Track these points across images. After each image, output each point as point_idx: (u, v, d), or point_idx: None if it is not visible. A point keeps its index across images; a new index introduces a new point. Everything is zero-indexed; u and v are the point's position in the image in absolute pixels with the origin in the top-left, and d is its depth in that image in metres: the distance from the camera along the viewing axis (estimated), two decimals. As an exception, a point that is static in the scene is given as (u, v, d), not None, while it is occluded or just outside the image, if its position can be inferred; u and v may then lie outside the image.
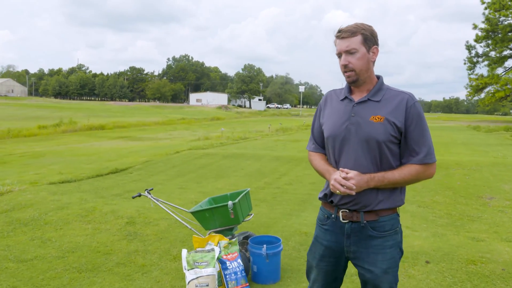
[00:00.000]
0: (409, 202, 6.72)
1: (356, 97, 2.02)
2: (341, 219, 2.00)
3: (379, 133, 1.91)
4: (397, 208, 2.03)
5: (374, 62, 1.99)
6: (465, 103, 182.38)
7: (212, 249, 3.43)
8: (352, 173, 1.88)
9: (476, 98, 50.01)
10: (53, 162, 11.68)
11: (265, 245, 3.54)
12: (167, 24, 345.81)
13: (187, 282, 3.27)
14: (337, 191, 1.87)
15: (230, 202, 3.49)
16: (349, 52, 1.93)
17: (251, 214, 4.02)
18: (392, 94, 1.97)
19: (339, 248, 2.03)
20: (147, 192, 4.10)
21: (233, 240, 3.53)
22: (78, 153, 13.88)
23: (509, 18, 43.08)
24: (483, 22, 44.39)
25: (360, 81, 1.98)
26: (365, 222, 1.95)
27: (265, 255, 3.52)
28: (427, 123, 1.97)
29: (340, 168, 1.94)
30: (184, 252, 3.38)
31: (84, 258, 4.27)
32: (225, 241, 3.52)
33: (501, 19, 43.37)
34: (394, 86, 2.03)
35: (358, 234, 1.98)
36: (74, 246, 4.60)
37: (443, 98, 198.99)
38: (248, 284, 3.43)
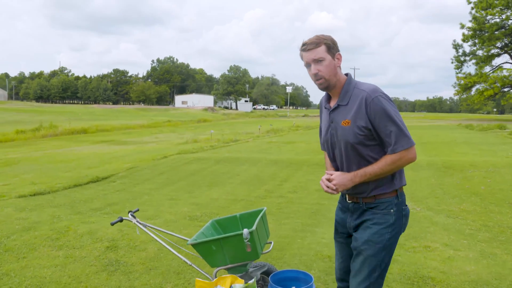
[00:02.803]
0: (435, 211, 5.87)
1: (332, 103, 2.22)
2: (347, 200, 2.26)
3: (350, 136, 2.09)
4: (396, 190, 2.15)
5: (339, 67, 2.16)
6: (448, 102, 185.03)
7: (223, 298, 2.47)
8: (335, 175, 2.16)
9: (463, 96, 49.95)
10: (27, 170, 10.52)
11: (293, 287, 2.60)
12: (150, 26, 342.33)
13: None
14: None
15: (245, 231, 2.54)
16: (317, 61, 2.09)
17: (271, 243, 3.07)
18: (356, 94, 2.10)
19: (345, 223, 2.30)
20: (131, 215, 3.12)
21: (251, 282, 2.57)
22: (56, 160, 12.70)
23: (496, 17, 43.16)
24: (470, 21, 44.44)
25: (331, 86, 2.14)
26: (363, 203, 2.18)
27: (294, 303, 2.57)
28: (402, 116, 2.07)
29: (326, 171, 2.25)
30: (185, 304, 2.41)
31: (50, 301, 3.26)
32: (240, 284, 2.57)
33: (488, 17, 43.42)
34: (362, 82, 2.16)
35: (357, 211, 2.21)
36: (38, 284, 3.58)
37: (427, 98, 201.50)
38: None
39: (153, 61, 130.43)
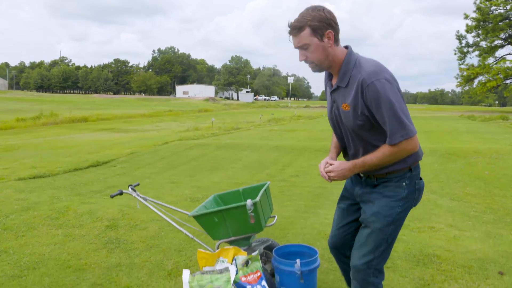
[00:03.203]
0: (439, 194, 5.80)
1: (333, 81, 2.05)
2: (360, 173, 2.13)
3: (350, 121, 1.96)
4: (409, 166, 2.02)
5: (332, 46, 1.92)
6: (450, 94, 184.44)
7: (226, 269, 2.41)
8: (334, 165, 2.05)
9: (466, 88, 49.64)
10: (27, 155, 10.45)
11: (298, 260, 2.53)
12: (152, 17, 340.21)
13: (191, 319, 2.24)
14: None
15: (249, 201, 2.47)
16: (302, 47, 1.93)
17: (274, 217, 3.00)
18: (355, 75, 1.91)
19: (353, 190, 2.20)
20: (131, 189, 3.05)
21: (254, 254, 2.51)
22: (56, 146, 12.63)
23: (500, 8, 42.71)
24: (474, 11, 43.94)
25: (324, 68, 2.00)
26: (374, 178, 2.07)
27: (299, 274, 2.51)
28: (406, 105, 1.91)
29: (327, 160, 2.14)
30: (186, 274, 2.35)
31: (49, 277, 3.21)
32: (242, 256, 2.50)
33: (492, 8, 42.94)
34: (363, 59, 1.94)
35: (368, 182, 2.10)
36: (36, 260, 3.52)
37: (429, 90, 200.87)
38: (277, 317, 2.43)
39: (154, 51, 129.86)
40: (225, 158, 9.24)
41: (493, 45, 44.55)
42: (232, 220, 2.57)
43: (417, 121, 23.88)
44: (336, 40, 1.93)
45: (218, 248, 2.69)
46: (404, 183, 2.01)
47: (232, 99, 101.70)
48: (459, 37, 47.73)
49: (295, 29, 1.90)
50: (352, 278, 2.11)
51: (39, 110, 29.62)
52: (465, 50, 47.67)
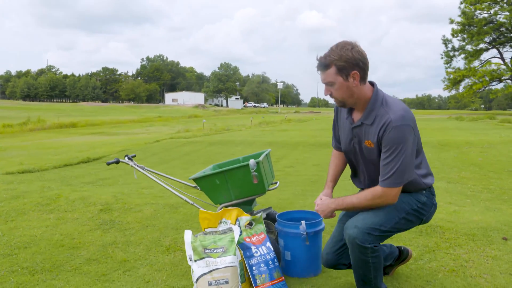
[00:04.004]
0: (435, 178, 5.77)
1: (355, 116, 2.08)
2: None
3: (373, 157, 2.00)
4: (428, 186, 2.08)
5: (358, 84, 1.94)
6: (437, 100, 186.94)
7: (230, 229, 2.32)
8: (320, 201, 2.19)
9: (453, 91, 50.36)
10: (15, 155, 10.22)
11: (303, 221, 2.45)
12: (140, 25, 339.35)
13: (194, 280, 2.15)
14: None
15: (252, 161, 2.40)
16: (327, 85, 1.97)
17: (276, 183, 2.93)
18: (382, 115, 1.94)
19: None
20: (128, 158, 2.95)
21: (258, 215, 2.43)
22: (45, 146, 12.41)
23: (485, 12, 43.56)
24: (459, 15, 44.75)
25: (348, 105, 2.02)
26: None
27: (304, 235, 2.43)
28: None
29: (321, 195, 2.23)
30: (188, 234, 2.26)
31: (41, 255, 3.07)
32: (246, 217, 2.42)
33: (476, 12, 43.78)
34: (391, 100, 1.98)
35: None
36: (28, 241, 3.38)
37: (416, 95, 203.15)
38: (284, 278, 2.34)
39: (142, 59, 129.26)
40: (219, 153, 9.15)
41: (478, 48, 45.34)
42: (234, 182, 2.49)
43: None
44: (363, 79, 1.95)
45: (219, 212, 2.60)
46: (424, 191, 2.08)
47: (222, 106, 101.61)
48: (445, 41, 48.51)
49: (321, 66, 1.94)
50: (350, 251, 2.01)
51: (26, 117, 29.18)
52: (451, 54, 48.42)
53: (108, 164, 2.83)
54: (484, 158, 7.37)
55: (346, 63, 1.88)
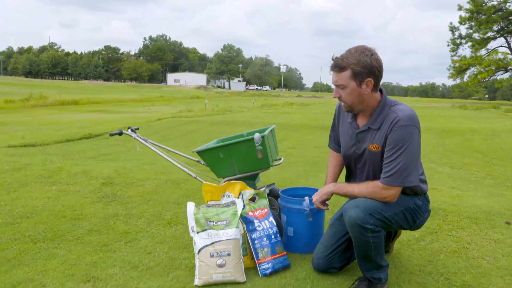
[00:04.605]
0: (438, 163, 5.77)
1: (360, 121, 2.06)
2: None
3: (377, 160, 1.99)
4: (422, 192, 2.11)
5: (370, 92, 1.91)
6: (440, 88, 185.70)
7: (233, 202, 2.31)
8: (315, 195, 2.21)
9: (457, 80, 49.91)
10: (16, 130, 10.20)
11: (307, 197, 2.44)
12: (143, 4, 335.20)
13: (196, 251, 2.15)
14: None
15: (257, 135, 2.36)
16: (339, 87, 1.93)
17: (281, 159, 2.91)
18: (389, 116, 1.93)
19: None
20: (131, 130, 2.93)
21: (262, 190, 2.41)
22: (47, 122, 12.38)
23: (494, 0, 42.80)
24: (468, 2, 43.97)
25: (355, 111, 1.99)
26: None
27: (307, 212, 2.42)
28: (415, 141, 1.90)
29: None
30: (191, 206, 2.25)
31: (43, 224, 3.08)
32: (249, 191, 2.40)
33: (485, 0, 43.00)
34: (399, 104, 1.98)
35: None
36: (30, 211, 3.39)
37: (420, 83, 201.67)
38: (285, 252, 2.34)
39: (145, 38, 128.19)
40: (221, 133, 9.12)
41: (485, 37, 44.71)
42: (239, 156, 2.47)
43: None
44: (375, 87, 1.93)
45: (223, 186, 2.58)
46: (419, 196, 2.09)
47: (224, 88, 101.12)
48: (452, 29, 47.81)
49: (337, 67, 1.89)
50: (350, 232, 1.98)
51: (28, 94, 29.07)
52: (457, 41, 47.78)
53: (111, 135, 2.81)
54: (488, 145, 7.33)
55: (363, 69, 1.85)
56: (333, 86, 1.99)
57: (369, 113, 1.99)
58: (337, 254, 2.19)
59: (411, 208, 2.03)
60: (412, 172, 1.89)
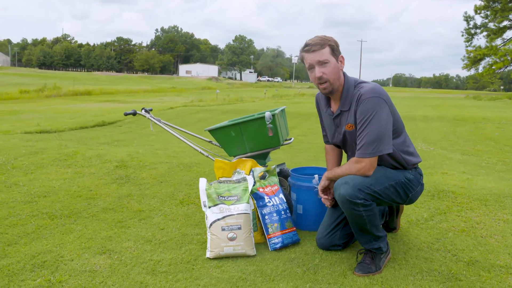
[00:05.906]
0: (449, 150, 5.74)
1: (333, 107, 2.16)
2: None
3: (354, 138, 2.05)
4: (413, 165, 2.14)
5: (342, 69, 2.06)
6: (454, 79, 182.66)
7: (244, 179, 2.36)
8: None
9: (472, 71, 49.02)
10: (32, 118, 10.41)
11: (316, 175, 2.48)
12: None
13: (208, 225, 2.21)
14: None
15: (268, 113, 2.41)
16: (322, 63, 1.99)
17: (291, 139, 2.95)
18: (355, 96, 2.01)
19: None
20: (145, 111, 2.99)
21: (272, 168, 2.46)
22: (61, 111, 12.59)
23: (511, -13, 41.73)
24: (484, -10, 42.96)
25: (334, 90, 2.05)
26: None
27: (317, 189, 2.46)
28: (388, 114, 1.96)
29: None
30: (203, 182, 2.31)
31: (60, 203, 3.18)
32: (260, 168, 2.46)
33: (502, -13, 41.96)
34: (362, 82, 2.06)
35: None
36: (47, 191, 3.50)
37: (433, 75, 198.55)
38: (295, 228, 2.39)
39: (157, 30, 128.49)
40: (232, 121, 9.19)
41: (501, 26, 43.73)
42: (250, 134, 2.52)
43: (420, 101, 23.71)
44: (342, 69, 2.08)
45: (234, 164, 2.64)
46: (411, 170, 2.14)
47: (235, 79, 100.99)
48: (467, 18, 46.83)
49: (317, 45, 1.97)
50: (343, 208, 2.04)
51: (43, 84, 29.49)
52: (472, 31, 46.80)
53: (126, 114, 2.88)
54: (500, 133, 7.26)
55: (336, 46, 2.01)
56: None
57: (339, 95, 2.08)
58: (338, 232, 2.26)
59: (402, 182, 2.08)
60: (382, 141, 1.93)
